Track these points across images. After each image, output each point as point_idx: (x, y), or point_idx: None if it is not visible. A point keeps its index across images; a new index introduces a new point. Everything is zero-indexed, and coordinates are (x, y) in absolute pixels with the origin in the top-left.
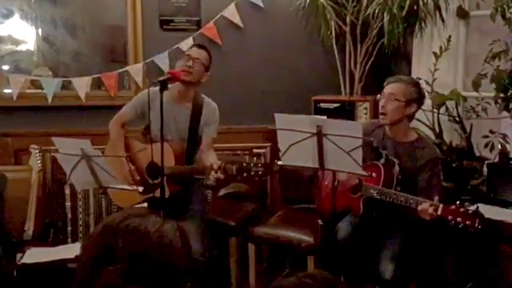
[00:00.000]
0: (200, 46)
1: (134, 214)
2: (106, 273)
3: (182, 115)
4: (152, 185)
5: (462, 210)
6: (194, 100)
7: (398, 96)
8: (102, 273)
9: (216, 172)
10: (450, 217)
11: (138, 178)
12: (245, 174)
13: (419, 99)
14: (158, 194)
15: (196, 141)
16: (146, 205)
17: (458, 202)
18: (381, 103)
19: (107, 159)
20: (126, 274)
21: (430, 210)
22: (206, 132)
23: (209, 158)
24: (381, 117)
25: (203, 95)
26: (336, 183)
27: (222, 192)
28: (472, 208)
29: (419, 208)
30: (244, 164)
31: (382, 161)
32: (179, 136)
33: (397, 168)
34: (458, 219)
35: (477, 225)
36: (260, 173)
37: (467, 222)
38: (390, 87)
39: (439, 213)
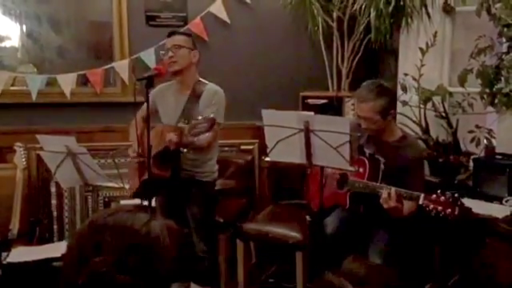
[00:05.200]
0: (172, 34)
1: (121, 209)
2: (93, 263)
3: (178, 102)
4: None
5: (442, 198)
6: (194, 85)
7: (373, 115)
8: (88, 264)
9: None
10: (431, 206)
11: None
12: (192, 132)
13: (392, 103)
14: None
15: (188, 123)
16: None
17: (438, 191)
18: (362, 125)
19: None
20: (114, 264)
21: (386, 194)
22: (203, 114)
23: None
24: (368, 132)
25: (208, 82)
26: (324, 180)
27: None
28: (452, 196)
29: (383, 196)
30: (193, 121)
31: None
32: (173, 121)
33: (382, 166)
34: (439, 208)
35: (457, 212)
36: (204, 129)
37: (447, 211)
38: (362, 110)
39: (420, 202)
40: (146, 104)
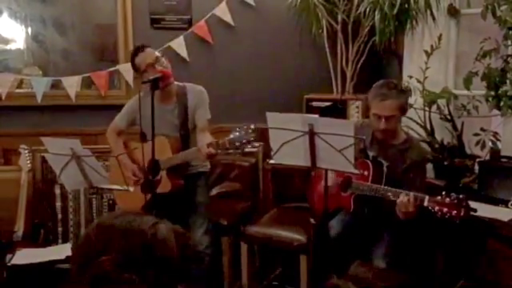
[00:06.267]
0: (142, 49)
1: (128, 212)
2: (100, 261)
3: (170, 112)
4: (153, 181)
5: (447, 200)
6: (177, 91)
7: (396, 113)
8: (95, 262)
9: (208, 147)
10: (436, 208)
11: (140, 175)
12: (237, 144)
13: (408, 101)
14: (159, 190)
15: (188, 128)
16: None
17: (443, 193)
18: (381, 125)
19: (112, 165)
20: (120, 263)
21: (406, 199)
22: (197, 117)
23: (204, 139)
24: (382, 133)
25: (185, 83)
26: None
27: (215, 191)
28: (458, 197)
29: (398, 200)
30: (235, 133)
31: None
32: (173, 131)
33: (385, 169)
34: (445, 210)
35: (463, 214)
36: (252, 139)
37: (454, 212)
38: (384, 109)
39: (425, 204)
40: (117, 118)
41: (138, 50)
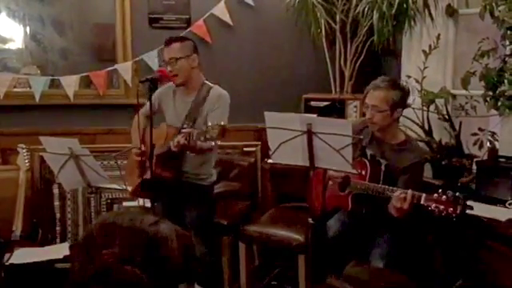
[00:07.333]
0: (167, 43)
1: (130, 211)
2: (102, 255)
3: (184, 105)
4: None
5: (444, 197)
6: (200, 90)
7: (382, 106)
8: (97, 257)
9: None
10: (433, 205)
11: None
12: (202, 138)
13: (403, 100)
14: (147, 175)
15: (193, 126)
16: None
17: (440, 191)
18: (367, 115)
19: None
20: (122, 258)
21: (402, 195)
22: (208, 119)
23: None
24: (369, 125)
25: (212, 84)
26: (326, 183)
27: (214, 191)
28: (454, 195)
29: (394, 194)
30: (204, 127)
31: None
32: (176, 122)
33: (383, 168)
34: (441, 207)
35: (459, 211)
36: (215, 135)
37: (450, 209)
38: (371, 97)
39: (422, 202)
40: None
41: (166, 43)
